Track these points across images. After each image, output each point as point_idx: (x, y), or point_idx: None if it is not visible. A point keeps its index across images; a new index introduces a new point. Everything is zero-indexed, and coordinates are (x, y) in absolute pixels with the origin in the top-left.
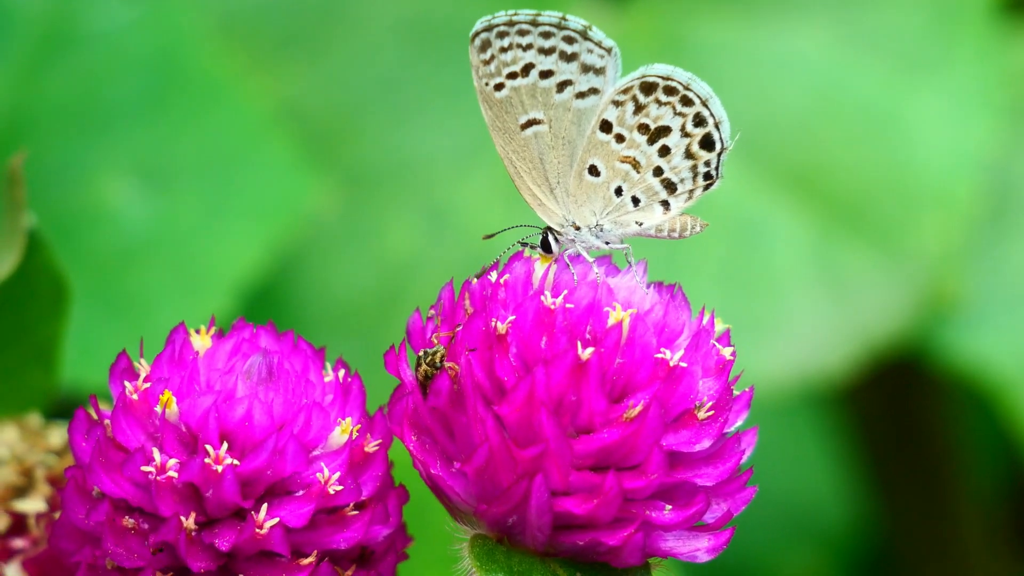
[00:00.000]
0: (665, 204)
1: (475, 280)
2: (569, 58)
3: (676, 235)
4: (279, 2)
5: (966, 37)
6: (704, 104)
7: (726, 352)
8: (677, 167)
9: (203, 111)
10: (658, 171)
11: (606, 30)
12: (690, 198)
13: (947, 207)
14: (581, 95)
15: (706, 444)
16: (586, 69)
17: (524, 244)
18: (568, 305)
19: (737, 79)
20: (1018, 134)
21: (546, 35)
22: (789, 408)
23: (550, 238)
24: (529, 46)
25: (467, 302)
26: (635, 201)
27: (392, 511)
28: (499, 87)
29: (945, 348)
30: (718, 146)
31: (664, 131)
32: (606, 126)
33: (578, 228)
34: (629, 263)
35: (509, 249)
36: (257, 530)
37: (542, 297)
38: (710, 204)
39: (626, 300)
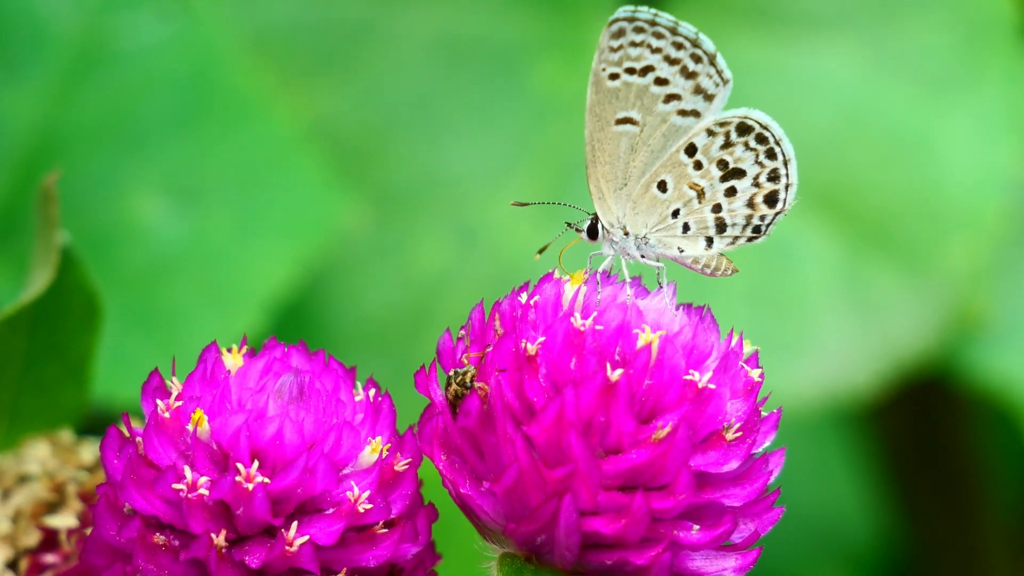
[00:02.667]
0: (709, 240)
1: (506, 301)
2: (689, 75)
3: (708, 272)
4: (311, 21)
5: (994, 58)
6: (785, 163)
7: (754, 374)
8: (735, 211)
9: (235, 129)
10: (717, 208)
11: None
12: (733, 243)
13: (974, 227)
14: (683, 113)
15: (734, 465)
16: (698, 91)
17: (570, 226)
18: (598, 327)
19: (767, 98)
20: None
21: (678, 46)
22: (817, 425)
23: (599, 226)
24: (658, 50)
25: (497, 323)
26: (685, 228)
27: (421, 529)
28: (614, 76)
29: (971, 367)
30: (780, 206)
31: (739, 173)
32: (691, 149)
33: (627, 234)
34: (660, 284)
35: (561, 235)
36: (287, 547)
37: (572, 318)
38: None
39: (655, 322)
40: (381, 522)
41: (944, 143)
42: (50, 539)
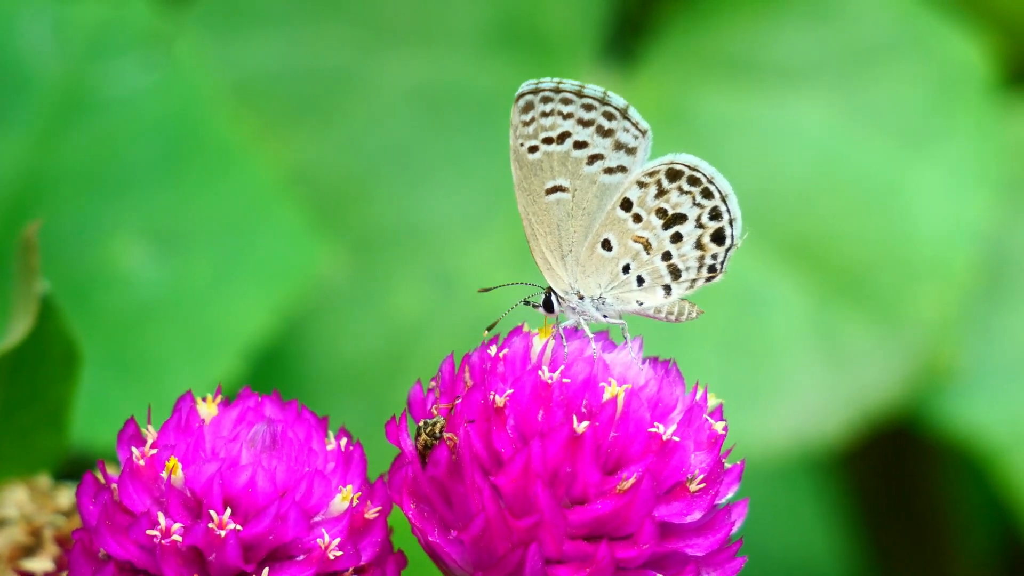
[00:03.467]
0: (667, 288)
1: (475, 353)
2: (606, 133)
3: (673, 319)
4: (292, 69)
5: (965, 111)
6: (723, 199)
7: (718, 426)
8: (685, 255)
9: (216, 176)
10: (667, 256)
11: None
12: (692, 287)
13: (944, 278)
14: (609, 171)
15: (697, 516)
16: (619, 147)
17: (527, 303)
18: (565, 380)
19: (739, 150)
20: (1016, 207)
21: (588, 107)
22: (788, 472)
23: (553, 299)
24: (570, 115)
25: (467, 375)
26: (640, 280)
27: None
28: (533, 149)
29: (940, 415)
30: (728, 242)
31: (680, 219)
32: (627, 204)
33: (582, 297)
34: (625, 338)
35: (512, 310)
36: None
37: (540, 372)
38: None
39: (621, 375)
40: (351, 569)
41: (915, 194)
42: None
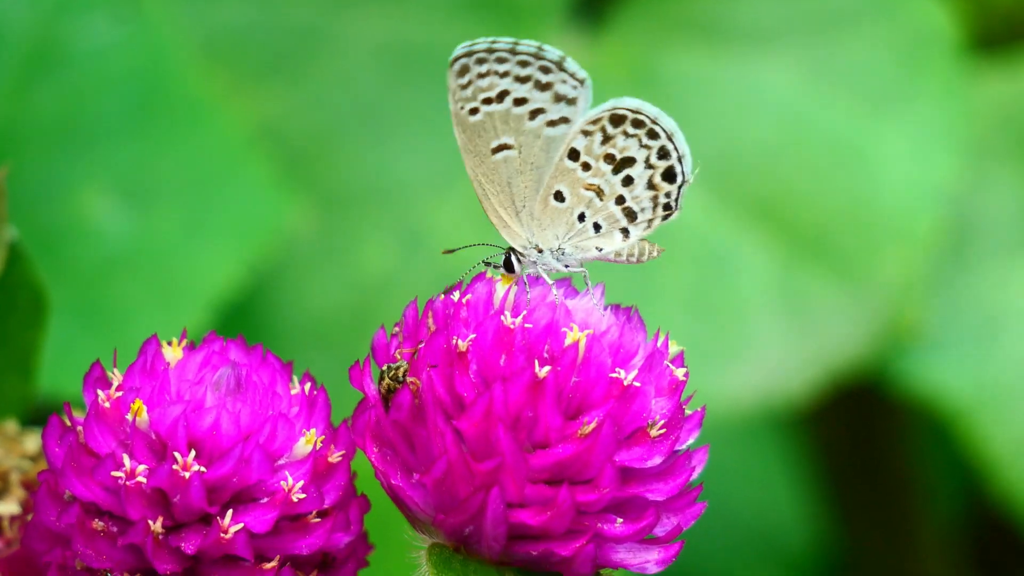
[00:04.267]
0: (625, 231)
1: (439, 299)
2: (544, 87)
3: (634, 260)
4: (261, 25)
5: (932, 74)
6: (669, 138)
7: (679, 373)
8: (639, 197)
9: (185, 130)
10: (620, 200)
11: (580, 60)
12: (649, 227)
13: (909, 240)
14: (552, 123)
15: (657, 460)
16: (559, 99)
17: (488, 264)
18: (527, 325)
19: (706, 110)
20: (980, 169)
21: (523, 64)
22: (753, 431)
23: (513, 258)
24: (506, 73)
25: (430, 320)
26: (596, 227)
27: (353, 519)
28: (474, 111)
29: (904, 375)
30: (679, 179)
31: (629, 162)
32: (574, 154)
33: (540, 251)
34: (587, 285)
35: (474, 269)
36: (222, 535)
37: (502, 317)
38: (679, 233)
39: (583, 321)
40: (314, 512)
41: (881, 157)
42: None
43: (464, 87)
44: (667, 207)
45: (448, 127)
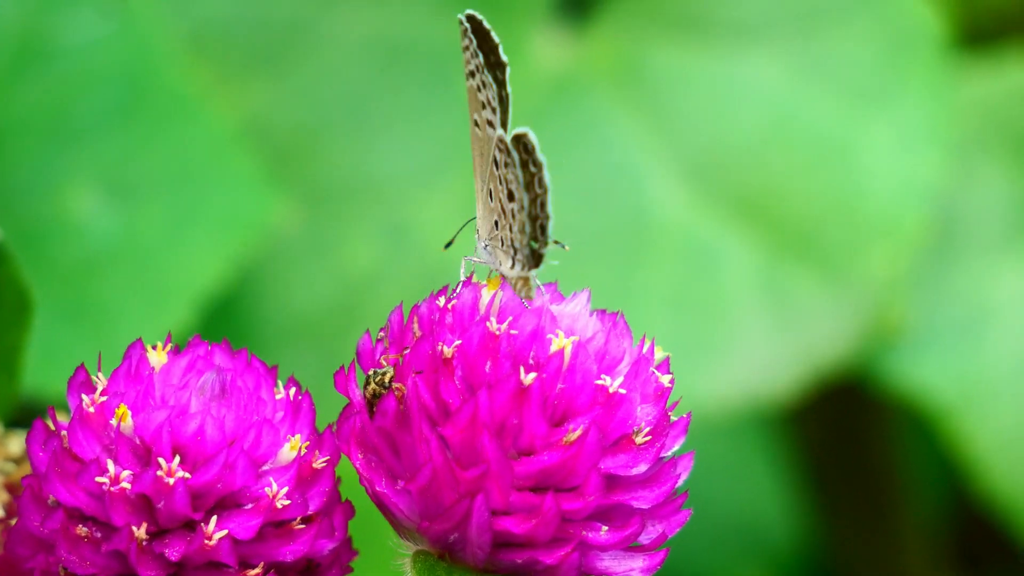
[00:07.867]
0: (513, 261)
1: (424, 304)
2: (484, 86)
3: (522, 296)
4: (246, 19)
5: (918, 70)
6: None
7: (664, 379)
8: (515, 237)
9: (170, 126)
10: (512, 228)
11: (564, 54)
12: (523, 268)
13: (894, 236)
14: (491, 124)
15: (643, 468)
16: (487, 105)
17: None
18: (513, 331)
19: (691, 106)
20: (966, 166)
21: (475, 53)
22: (737, 428)
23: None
24: (472, 55)
25: (415, 326)
26: (502, 242)
27: (338, 526)
28: (469, 75)
29: (889, 373)
30: (546, 239)
31: (512, 197)
32: (495, 161)
33: (479, 237)
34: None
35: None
36: (206, 541)
37: (488, 323)
38: (662, 227)
39: (569, 327)
40: (299, 518)
41: (866, 152)
42: None
43: (464, 49)
44: (535, 256)
45: (435, 122)
